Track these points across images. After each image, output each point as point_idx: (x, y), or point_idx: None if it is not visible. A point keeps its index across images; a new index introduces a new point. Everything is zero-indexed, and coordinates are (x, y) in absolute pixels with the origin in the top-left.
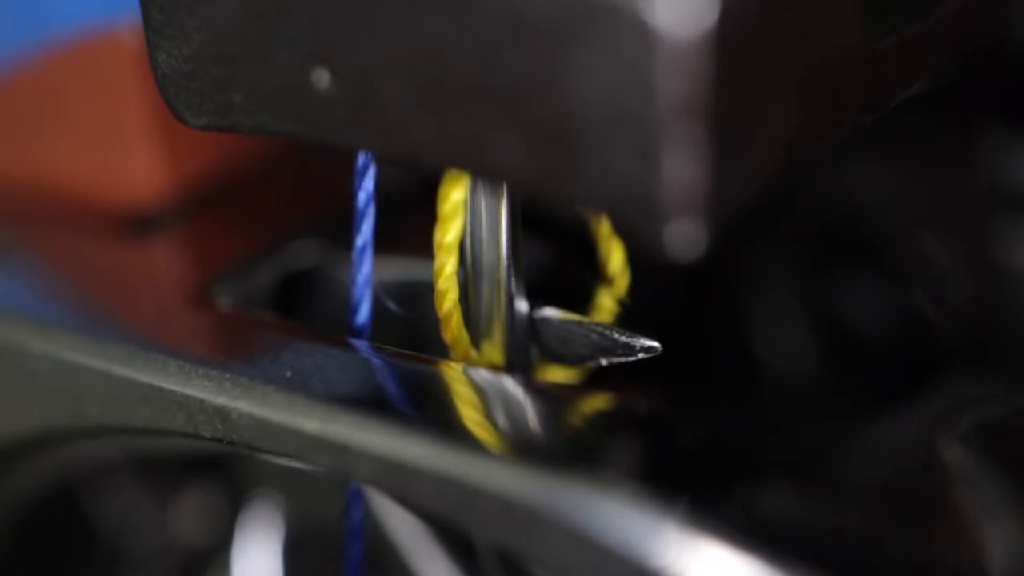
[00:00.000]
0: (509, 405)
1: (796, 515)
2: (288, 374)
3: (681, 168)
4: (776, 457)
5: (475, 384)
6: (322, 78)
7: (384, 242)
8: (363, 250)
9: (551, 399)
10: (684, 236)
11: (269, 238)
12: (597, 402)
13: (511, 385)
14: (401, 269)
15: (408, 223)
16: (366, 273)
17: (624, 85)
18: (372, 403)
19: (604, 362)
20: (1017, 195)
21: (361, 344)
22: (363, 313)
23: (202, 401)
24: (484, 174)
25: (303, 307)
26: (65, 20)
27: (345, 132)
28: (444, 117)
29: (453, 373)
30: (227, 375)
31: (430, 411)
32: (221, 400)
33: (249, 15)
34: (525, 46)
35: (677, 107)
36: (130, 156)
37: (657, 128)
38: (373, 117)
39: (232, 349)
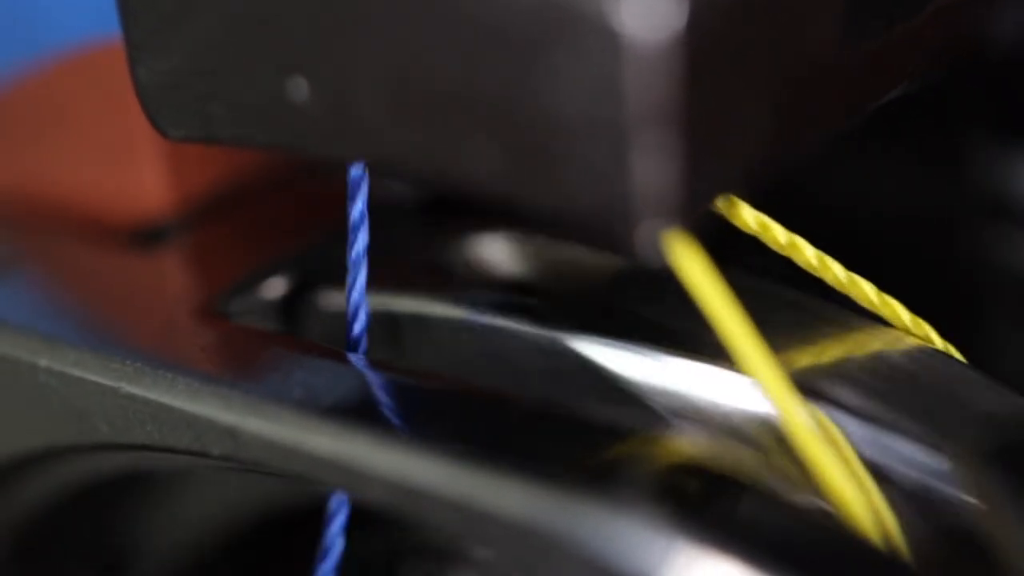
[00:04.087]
0: (521, 426)
1: (815, 537)
2: (299, 391)
3: (651, 172)
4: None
5: (487, 404)
6: (300, 89)
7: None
8: (357, 263)
9: (562, 419)
10: (655, 240)
11: (280, 250)
12: (609, 422)
13: (523, 406)
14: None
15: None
16: (361, 287)
17: (595, 91)
18: (384, 422)
19: None
20: (1009, 198)
21: (374, 360)
22: (358, 326)
23: (210, 419)
24: (462, 182)
25: (315, 320)
26: (67, 32)
27: (324, 143)
28: (421, 126)
29: (465, 391)
30: (236, 392)
31: (443, 431)
32: (230, 418)
33: (227, 28)
34: (499, 55)
35: (646, 112)
36: (137, 167)
37: (627, 133)
38: (351, 127)
39: (241, 365)
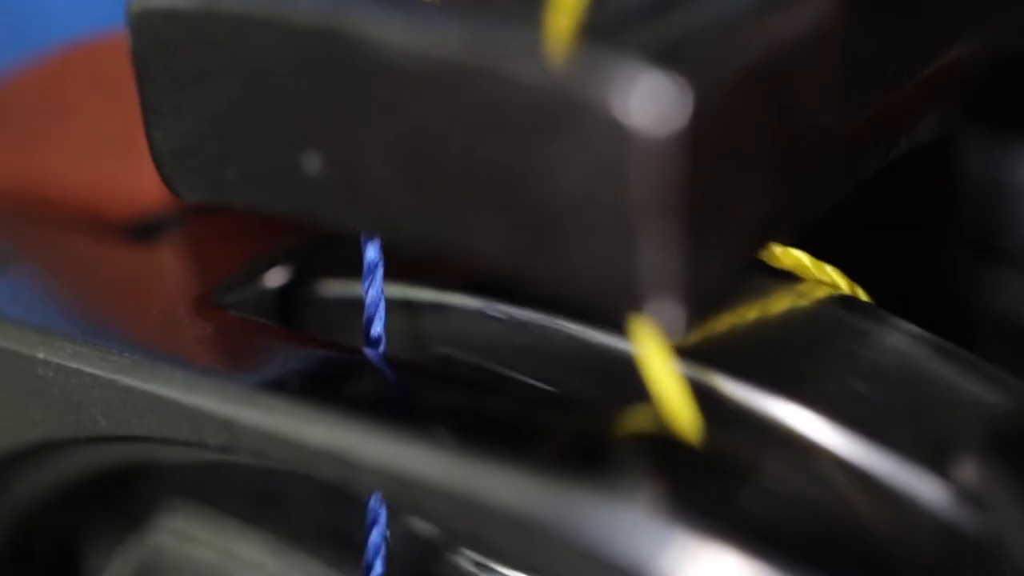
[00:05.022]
0: (517, 416)
1: (808, 526)
2: (295, 383)
3: (657, 258)
4: (786, 468)
5: (483, 394)
6: (312, 160)
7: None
8: (374, 264)
9: (560, 410)
10: (664, 320)
11: (277, 242)
12: (607, 413)
13: (520, 395)
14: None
15: None
16: (378, 285)
17: (600, 178)
18: (380, 413)
19: None
20: (1002, 237)
21: (370, 352)
22: (377, 325)
23: (208, 410)
24: (468, 256)
25: (311, 311)
26: (67, 27)
27: (334, 211)
28: (429, 201)
29: (462, 382)
30: (233, 384)
31: (439, 420)
32: (227, 409)
33: (242, 97)
34: (506, 137)
35: (651, 201)
36: (135, 161)
37: (632, 220)
38: (361, 198)
39: (239, 357)
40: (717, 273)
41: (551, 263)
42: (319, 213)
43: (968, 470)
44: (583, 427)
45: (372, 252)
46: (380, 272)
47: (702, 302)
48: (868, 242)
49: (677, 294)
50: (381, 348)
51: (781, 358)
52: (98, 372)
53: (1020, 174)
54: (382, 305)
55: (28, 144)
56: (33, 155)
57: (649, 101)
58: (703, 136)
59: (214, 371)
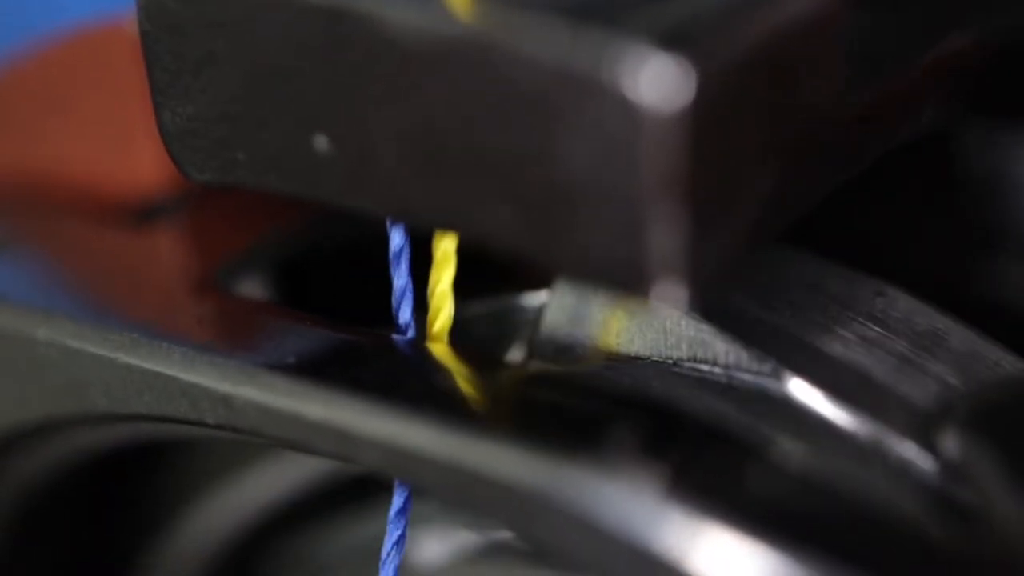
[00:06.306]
0: (512, 389)
1: (803, 500)
2: (292, 360)
3: (663, 237)
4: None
5: (480, 369)
6: (321, 142)
7: None
8: (400, 249)
9: (552, 382)
10: (668, 299)
11: (276, 225)
12: (599, 385)
13: (514, 369)
14: None
15: None
16: (406, 271)
17: (607, 158)
18: (376, 389)
19: None
20: (1006, 230)
21: (366, 330)
22: (406, 311)
23: (205, 388)
24: (475, 236)
25: (309, 293)
26: (66, 13)
27: (343, 193)
28: (437, 183)
29: (459, 358)
30: (231, 362)
31: (436, 397)
32: (224, 387)
33: (251, 80)
34: (514, 119)
35: (658, 179)
36: (134, 146)
37: (639, 200)
38: (369, 181)
39: (236, 336)
40: (722, 254)
41: (559, 244)
42: (328, 195)
43: (954, 443)
44: (586, 401)
45: (397, 237)
46: (407, 257)
47: (707, 282)
48: (869, 234)
49: (682, 273)
50: (410, 334)
51: (772, 326)
52: (98, 351)
53: (1022, 167)
54: (410, 291)
55: (29, 129)
56: (34, 140)
57: (655, 80)
58: (707, 115)
59: (212, 349)
